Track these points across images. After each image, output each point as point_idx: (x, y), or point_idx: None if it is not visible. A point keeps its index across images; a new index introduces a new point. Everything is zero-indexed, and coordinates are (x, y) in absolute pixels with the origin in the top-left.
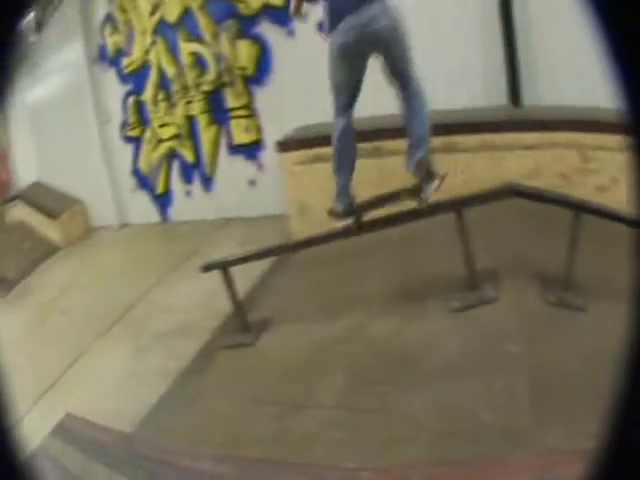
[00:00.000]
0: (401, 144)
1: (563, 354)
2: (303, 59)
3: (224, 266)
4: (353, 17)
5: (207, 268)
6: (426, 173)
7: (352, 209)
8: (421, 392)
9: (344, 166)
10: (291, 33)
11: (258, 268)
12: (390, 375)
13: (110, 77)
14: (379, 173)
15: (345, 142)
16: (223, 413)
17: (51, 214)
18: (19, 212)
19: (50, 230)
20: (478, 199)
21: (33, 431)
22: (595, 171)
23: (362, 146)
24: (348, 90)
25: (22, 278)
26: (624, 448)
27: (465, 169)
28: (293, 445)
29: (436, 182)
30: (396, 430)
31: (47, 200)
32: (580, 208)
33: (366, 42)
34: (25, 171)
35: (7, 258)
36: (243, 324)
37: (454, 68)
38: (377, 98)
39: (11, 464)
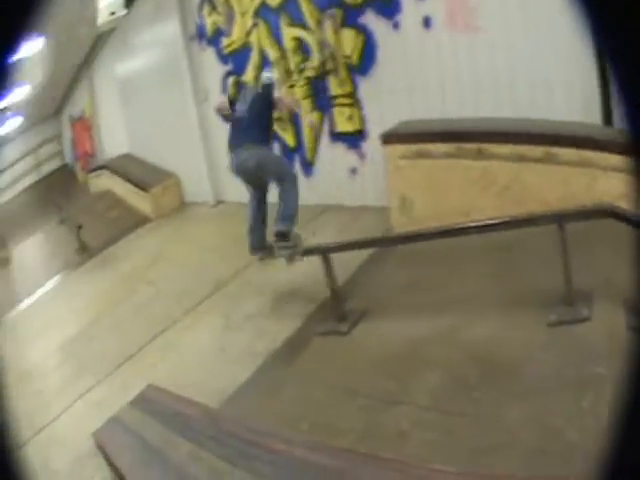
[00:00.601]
0: (504, 149)
1: None
2: (407, 53)
3: (324, 252)
4: (234, 154)
5: (307, 252)
6: (282, 239)
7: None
8: (516, 403)
9: (252, 228)
10: (396, 26)
11: (356, 258)
12: (486, 381)
13: (208, 56)
14: (482, 175)
15: (253, 213)
16: (313, 400)
17: (142, 186)
18: (106, 182)
19: (141, 201)
20: (577, 215)
21: (110, 399)
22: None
23: (466, 147)
24: (250, 186)
25: (107, 247)
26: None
27: (562, 182)
28: (383, 440)
29: (290, 251)
30: (489, 438)
31: (138, 172)
32: None
33: (245, 172)
34: (111, 142)
35: (91, 226)
36: (339, 312)
37: (553, 81)
38: (479, 100)
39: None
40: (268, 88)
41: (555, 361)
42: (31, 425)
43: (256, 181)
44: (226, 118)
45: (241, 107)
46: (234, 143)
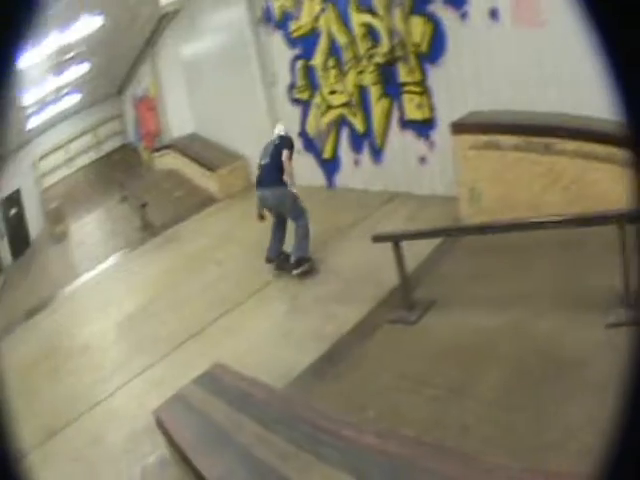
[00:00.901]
0: (571, 145)
1: None
2: (476, 43)
3: (396, 239)
4: (261, 192)
5: (378, 238)
6: (298, 265)
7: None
8: (576, 401)
9: (271, 243)
10: (464, 16)
11: (424, 247)
12: (549, 378)
13: (276, 40)
14: (549, 170)
15: (273, 231)
16: (379, 387)
17: (209, 166)
18: (171, 161)
19: (207, 182)
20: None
21: (170, 377)
22: None
23: (534, 141)
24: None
25: (171, 226)
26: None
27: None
28: (447, 433)
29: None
30: (549, 436)
31: (204, 152)
32: None
33: (267, 206)
34: (177, 122)
35: (155, 205)
36: (407, 301)
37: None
38: (546, 94)
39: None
40: (281, 140)
41: (613, 362)
42: (87, 399)
43: (276, 212)
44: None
45: (264, 159)
46: (261, 184)
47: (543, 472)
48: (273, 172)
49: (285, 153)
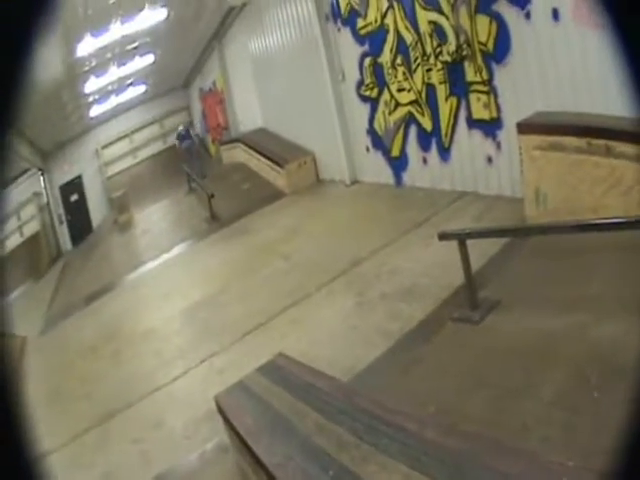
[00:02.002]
0: (631, 148)
1: None
2: (539, 43)
3: (462, 237)
4: None
5: (444, 236)
6: None
7: None
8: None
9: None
10: (528, 16)
11: (490, 248)
12: (607, 382)
13: (344, 36)
14: (610, 173)
15: None
16: (441, 384)
17: (278, 161)
18: (240, 154)
19: (275, 176)
20: None
21: (233, 366)
22: None
23: (595, 142)
24: None
25: (239, 218)
26: None
27: None
28: (507, 432)
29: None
30: (605, 440)
31: (273, 147)
32: None
33: None
34: (245, 116)
35: (223, 197)
36: (472, 300)
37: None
38: (608, 96)
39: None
40: None
41: None
42: (148, 383)
43: None
44: None
45: None
46: None
47: (598, 471)
48: None
49: None
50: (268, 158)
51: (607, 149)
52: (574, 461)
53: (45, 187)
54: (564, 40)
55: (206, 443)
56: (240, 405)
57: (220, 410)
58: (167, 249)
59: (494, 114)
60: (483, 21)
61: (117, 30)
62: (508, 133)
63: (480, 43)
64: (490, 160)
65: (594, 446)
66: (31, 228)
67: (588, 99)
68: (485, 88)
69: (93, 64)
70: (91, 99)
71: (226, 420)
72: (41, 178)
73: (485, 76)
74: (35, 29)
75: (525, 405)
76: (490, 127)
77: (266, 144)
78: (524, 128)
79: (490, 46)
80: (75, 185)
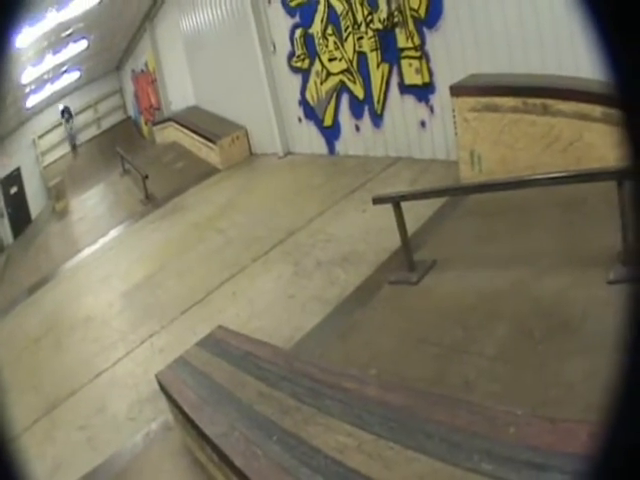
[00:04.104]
0: (568, 106)
1: None
2: (473, 6)
3: (396, 200)
4: None
5: (379, 200)
6: None
7: None
8: (575, 358)
9: None
10: None
11: (425, 210)
12: (548, 335)
13: (275, 9)
14: (547, 131)
15: None
16: (381, 346)
17: (210, 137)
18: (172, 134)
19: (209, 153)
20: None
21: (174, 344)
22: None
23: (531, 102)
24: None
25: (174, 197)
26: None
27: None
28: (450, 389)
29: None
30: (550, 391)
31: (205, 124)
32: None
33: None
34: (176, 95)
35: (157, 177)
36: (409, 262)
37: None
38: (544, 55)
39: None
40: None
41: (614, 320)
42: (91, 369)
43: None
44: None
45: None
46: None
47: (548, 418)
48: None
49: None
50: (200, 135)
51: (544, 107)
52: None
53: None
54: (499, 1)
55: (151, 423)
56: (181, 380)
57: (162, 387)
58: (104, 233)
59: (426, 79)
60: None
61: (53, 18)
62: (441, 97)
63: (412, 9)
64: (423, 124)
65: (541, 398)
66: None
67: (523, 59)
68: (417, 54)
69: (30, 54)
70: (27, 89)
71: (169, 397)
72: None
73: (417, 42)
74: None
75: (468, 361)
76: (423, 92)
77: (198, 122)
78: (457, 91)
79: (422, 12)
80: (14, 178)
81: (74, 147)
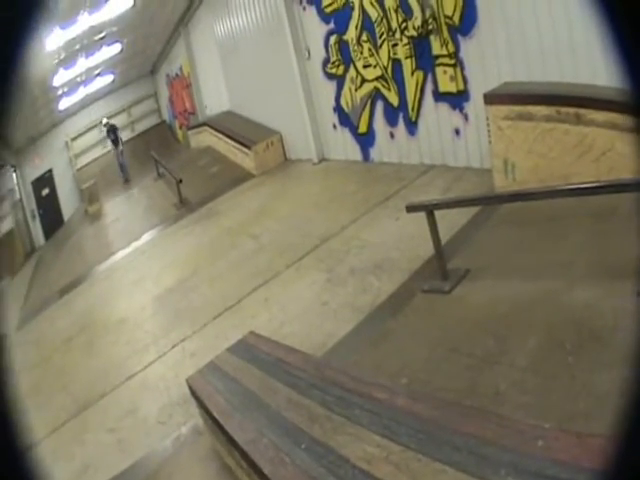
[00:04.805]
0: (601, 115)
1: None
2: (507, 14)
3: (430, 208)
4: None
5: (412, 208)
6: None
7: None
8: (606, 370)
9: None
10: None
11: (459, 219)
12: (580, 346)
13: (310, 15)
14: (580, 141)
15: None
16: (413, 355)
17: (245, 142)
18: (207, 138)
19: (243, 158)
20: None
21: (206, 349)
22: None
23: (564, 110)
24: None
25: (208, 202)
26: None
27: None
28: (481, 399)
29: None
30: (581, 403)
31: (240, 129)
32: None
33: None
34: (211, 100)
35: (192, 181)
36: (442, 270)
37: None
38: (577, 65)
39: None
40: None
41: None
42: (122, 372)
43: None
44: None
45: None
46: None
47: (575, 433)
48: None
49: None
50: (235, 140)
51: (577, 117)
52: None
53: (17, 183)
54: (532, 8)
55: (181, 427)
56: (211, 386)
57: (192, 392)
58: (137, 237)
59: (461, 86)
60: None
61: (85, 21)
62: (475, 105)
63: (446, 17)
64: (458, 132)
65: (570, 410)
66: (5, 225)
67: (556, 68)
68: (451, 61)
69: (62, 56)
70: (60, 92)
71: (199, 402)
72: (14, 175)
73: (451, 49)
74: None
75: (499, 372)
76: (457, 99)
77: (233, 126)
78: (491, 99)
79: (456, 19)
80: (46, 179)
81: (127, 180)
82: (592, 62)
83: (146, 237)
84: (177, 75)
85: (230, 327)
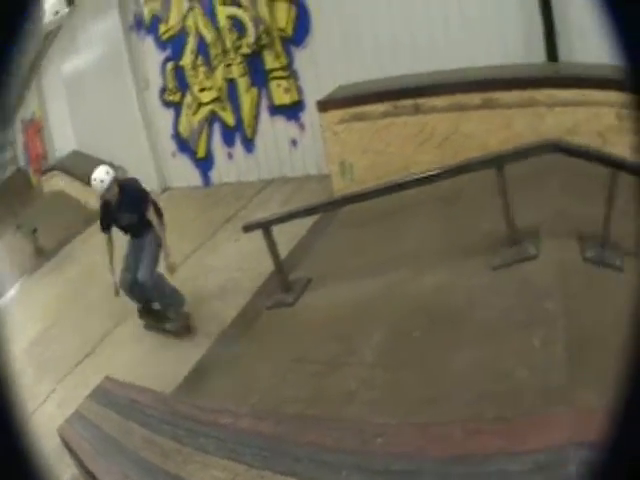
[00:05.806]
0: (442, 100)
1: (600, 312)
2: (341, 17)
3: (265, 225)
4: None
5: (248, 228)
6: None
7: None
8: (461, 350)
9: None
10: None
11: (300, 229)
12: (431, 332)
13: (148, 44)
14: (420, 130)
15: None
16: (262, 373)
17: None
18: (58, 182)
19: (91, 198)
20: (519, 154)
21: (73, 397)
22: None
23: (402, 103)
24: None
25: (61, 248)
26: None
27: (505, 125)
28: (330, 403)
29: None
30: (434, 388)
31: (87, 168)
32: (620, 166)
33: None
34: (62, 141)
35: (46, 228)
36: (284, 284)
37: (492, 26)
38: (416, 54)
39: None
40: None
41: (500, 304)
42: None
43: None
44: None
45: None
46: None
47: (419, 424)
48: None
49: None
50: (81, 181)
51: (415, 107)
52: (399, 417)
53: None
54: (369, 7)
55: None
56: (78, 435)
57: (64, 442)
58: (1, 293)
59: (295, 97)
60: (282, 7)
61: None
62: (310, 113)
63: (279, 29)
64: (294, 143)
65: (420, 398)
66: None
67: (393, 63)
68: (285, 73)
69: None
70: None
71: (70, 451)
72: None
73: (284, 61)
74: None
75: (347, 373)
76: (292, 111)
77: (80, 167)
78: (324, 105)
79: (289, 30)
80: None
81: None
82: (431, 46)
83: (10, 291)
84: (31, 120)
85: (91, 373)
